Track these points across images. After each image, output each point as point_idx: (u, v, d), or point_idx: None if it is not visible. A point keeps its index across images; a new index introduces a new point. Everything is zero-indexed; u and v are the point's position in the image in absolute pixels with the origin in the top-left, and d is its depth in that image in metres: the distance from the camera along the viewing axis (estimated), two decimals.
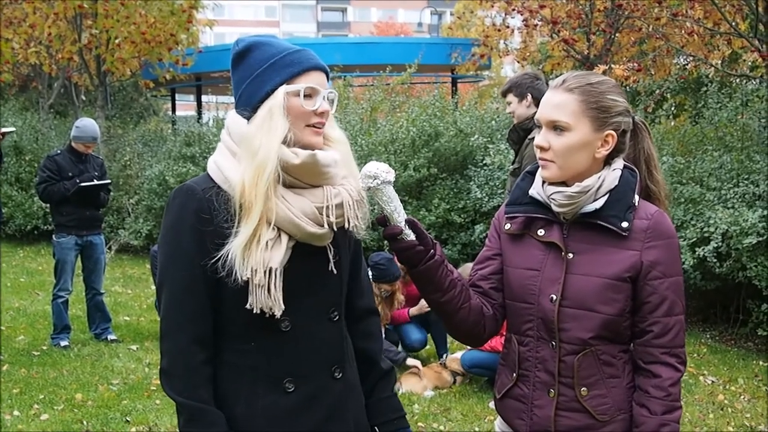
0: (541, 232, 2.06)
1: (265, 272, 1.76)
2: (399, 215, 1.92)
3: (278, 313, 1.79)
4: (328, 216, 1.82)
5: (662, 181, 2.18)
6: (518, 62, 13.25)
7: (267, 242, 1.77)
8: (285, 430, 1.86)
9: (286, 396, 1.85)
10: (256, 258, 1.76)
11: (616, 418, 2.01)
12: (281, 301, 1.79)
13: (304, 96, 1.82)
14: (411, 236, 1.94)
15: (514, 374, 2.10)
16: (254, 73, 1.84)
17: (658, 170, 2.17)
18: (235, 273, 1.76)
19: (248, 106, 1.84)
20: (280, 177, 1.79)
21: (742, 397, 5.42)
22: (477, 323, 2.08)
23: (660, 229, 1.99)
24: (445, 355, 6.04)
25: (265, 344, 1.85)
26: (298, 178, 1.82)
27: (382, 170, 1.87)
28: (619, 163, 2.04)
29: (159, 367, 1.84)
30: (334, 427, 1.92)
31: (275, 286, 1.78)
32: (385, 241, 2.00)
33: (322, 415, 1.90)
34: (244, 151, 1.80)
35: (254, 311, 1.78)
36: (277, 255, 1.78)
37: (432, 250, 1.98)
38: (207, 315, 1.83)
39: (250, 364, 1.85)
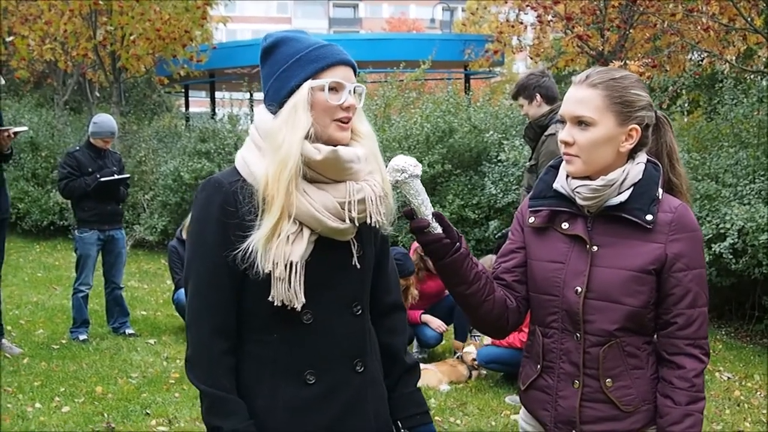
0: (565, 225, 2.09)
1: (285, 265, 1.79)
2: (426, 208, 1.94)
3: (298, 306, 1.82)
4: (349, 211, 1.84)
5: (684, 175, 2.21)
6: (531, 58, 13.23)
7: (288, 236, 1.80)
8: (305, 422, 1.88)
9: (306, 388, 1.88)
10: (277, 251, 1.78)
11: (641, 409, 2.04)
12: (302, 294, 1.81)
13: (329, 90, 1.84)
14: (438, 229, 1.97)
15: (539, 366, 2.13)
16: (281, 68, 1.87)
17: (680, 164, 2.20)
18: (257, 266, 1.79)
19: (275, 102, 1.87)
20: (304, 172, 1.81)
21: (758, 393, 5.42)
22: (501, 315, 2.11)
23: (684, 222, 2.01)
24: (461, 349, 6.09)
25: (287, 336, 1.87)
26: (321, 173, 1.84)
27: (409, 164, 1.89)
28: (642, 157, 2.07)
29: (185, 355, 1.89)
30: (353, 421, 1.94)
31: (296, 279, 1.80)
32: (411, 235, 2.03)
33: (341, 407, 1.92)
34: (268, 146, 1.83)
35: (275, 303, 1.81)
36: (298, 248, 1.81)
37: (458, 243, 2.01)
38: (230, 306, 1.86)
39: (272, 355, 1.88)
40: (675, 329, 2.01)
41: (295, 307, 1.82)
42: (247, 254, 1.80)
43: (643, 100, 2.04)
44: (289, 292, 1.80)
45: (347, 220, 1.85)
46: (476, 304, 2.07)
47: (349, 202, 1.84)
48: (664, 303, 2.02)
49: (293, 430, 1.87)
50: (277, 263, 1.78)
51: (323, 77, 1.84)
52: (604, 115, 2.00)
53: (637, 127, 2.02)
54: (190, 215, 7.08)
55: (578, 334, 2.05)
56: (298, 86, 1.84)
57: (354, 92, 1.88)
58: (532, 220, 2.16)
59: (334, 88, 1.85)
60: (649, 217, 2.00)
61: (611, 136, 2.01)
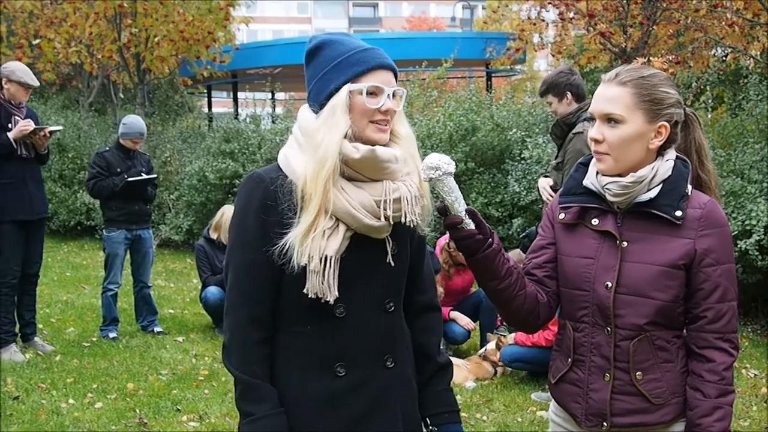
0: (595, 221, 2.13)
1: (320, 259, 1.84)
2: (459, 205, 1.98)
3: (331, 300, 1.87)
4: (385, 209, 1.89)
5: (713, 171, 2.24)
6: (553, 56, 13.20)
7: (324, 231, 1.85)
8: (332, 413, 1.93)
9: (336, 380, 1.93)
10: (313, 245, 1.84)
11: (671, 402, 2.07)
12: (335, 288, 1.86)
13: (368, 94, 1.89)
14: (471, 225, 2.01)
15: (569, 359, 2.16)
16: (323, 71, 1.92)
17: (709, 160, 2.23)
18: (293, 260, 1.85)
19: (316, 102, 1.93)
20: (342, 170, 1.87)
21: None
22: (532, 310, 2.15)
23: (713, 218, 2.05)
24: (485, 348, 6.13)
25: (320, 328, 1.92)
26: (359, 171, 1.89)
27: (443, 162, 1.93)
28: (671, 154, 2.10)
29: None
30: (380, 415, 1.97)
31: (330, 273, 1.85)
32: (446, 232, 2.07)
33: (369, 401, 1.96)
34: (307, 145, 1.89)
35: (309, 296, 1.87)
36: (334, 243, 1.86)
37: (490, 239, 2.05)
38: (266, 298, 1.92)
39: (304, 346, 1.93)
40: (704, 323, 2.04)
41: (328, 300, 1.87)
42: (284, 250, 1.86)
43: (672, 97, 2.07)
44: (323, 285, 1.86)
45: (382, 218, 1.90)
46: (508, 299, 2.11)
47: (385, 201, 1.89)
48: (693, 297, 2.05)
49: (321, 421, 1.92)
50: (312, 257, 1.84)
51: (362, 81, 1.89)
52: (633, 112, 2.03)
53: (666, 124, 2.05)
54: (222, 212, 7.13)
55: (609, 328, 2.08)
56: (337, 89, 1.89)
57: (393, 96, 1.93)
58: (562, 216, 2.19)
59: (373, 92, 1.90)
60: (678, 213, 2.03)
61: (641, 134, 2.04)
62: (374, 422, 1.96)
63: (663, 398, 2.07)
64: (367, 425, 1.96)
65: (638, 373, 2.07)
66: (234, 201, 1.98)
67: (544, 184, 4.98)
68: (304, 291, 1.87)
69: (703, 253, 2.03)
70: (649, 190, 2.06)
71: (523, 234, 5.20)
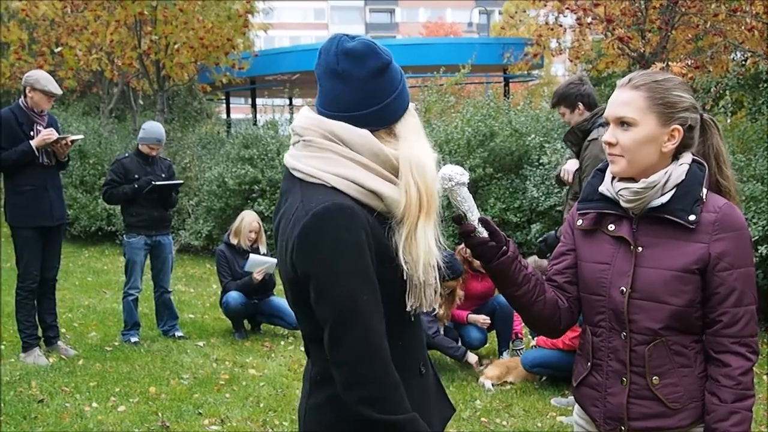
0: (611, 227, 2.15)
1: (433, 267, 1.87)
2: (473, 214, 2.05)
3: (437, 308, 1.95)
4: None
5: (732, 177, 2.22)
6: (571, 61, 13.20)
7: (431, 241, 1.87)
8: (430, 407, 2.00)
9: (421, 378, 1.99)
10: (439, 257, 1.86)
11: (688, 406, 2.08)
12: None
13: None
14: (484, 233, 2.06)
15: (589, 363, 2.19)
16: (397, 88, 1.87)
17: (728, 166, 2.22)
18: (412, 276, 1.83)
19: (385, 121, 1.87)
20: None
21: None
22: (552, 316, 2.18)
23: (728, 221, 2.04)
24: (505, 353, 6.13)
25: (406, 336, 1.93)
26: None
27: (456, 172, 2.01)
28: (687, 158, 2.10)
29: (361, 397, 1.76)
30: (445, 401, 2.11)
31: (434, 283, 1.89)
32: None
33: (439, 392, 2.09)
34: (411, 167, 1.83)
35: (409, 308, 1.87)
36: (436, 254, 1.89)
37: (504, 247, 2.09)
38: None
39: (399, 354, 1.90)
40: (720, 327, 2.04)
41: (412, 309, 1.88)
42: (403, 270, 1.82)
43: (686, 101, 2.09)
44: (428, 296, 1.88)
45: None
46: (527, 305, 2.15)
47: None
48: (709, 302, 2.05)
49: (423, 415, 1.91)
50: (431, 270, 1.85)
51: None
52: (646, 115, 2.05)
53: (679, 127, 2.07)
54: (241, 217, 7.16)
55: (624, 333, 2.10)
56: (406, 109, 1.90)
57: None
58: (580, 222, 2.23)
59: None
60: (692, 218, 2.03)
61: (653, 136, 2.05)
62: (444, 408, 2.10)
63: (680, 403, 2.08)
64: (442, 411, 2.08)
65: (655, 377, 2.08)
66: (313, 238, 1.76)
67: (570, 167, 5.00)
68: (409, 306, 1.86)
69: (717, 257, 2.02)
70: (662, 195, 2.07)
71: (540, 239, 5.21)
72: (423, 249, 1.80)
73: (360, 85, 1.82)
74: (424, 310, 1.89)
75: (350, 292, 1.73)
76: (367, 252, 1.75)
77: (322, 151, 1.83)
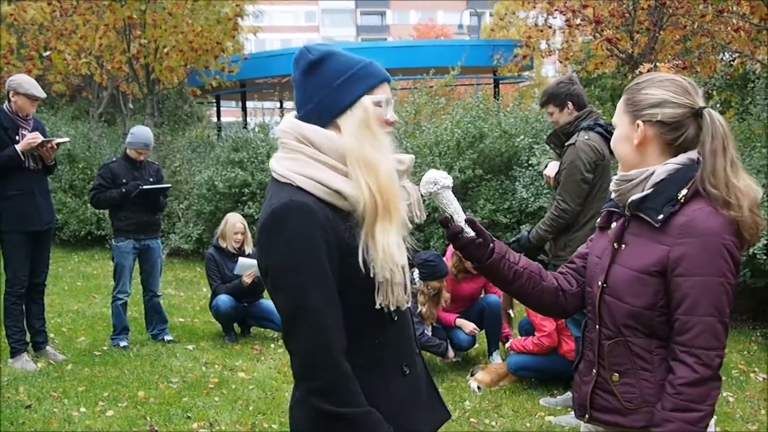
0: (614, 224, 2.21)
1: (401, 268, 1.88)
2: (459, 216, 2.14)
3: (403, 306, 1.93)
4: (419, 211, 2.06)
5: (733, 185, 2.03)
6: (560, 62, 13.23)
7: (398, 241, 1.87)
8: (414, 408, 2.00)
9: (404, 378, 1.99)
10: (395, 258, 1.85)
11: (641, 409, 2.07)
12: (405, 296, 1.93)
13: (377, 105, 1.92)
14: (470, 233, 2.14)
15: (581, 352, 2.31)
16: (334, 82, 1.87)
17: (726, 172, 2.12)
18: (375, 275, 1.83)
19: (325, 115, 1.88)
20: None
21: None
22: (554, 302, 2.28)
23: (695, 226, 1.97)
24: (495, 353, 6.14)
25: (387, 335, 1.94)
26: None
27: (440, 177, 2.09)
28: (680, 158, 2.07)
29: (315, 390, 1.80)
30: (434, 403, 2.11)
31: (404, 282, 1.91)
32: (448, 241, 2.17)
33: (425, 392, 2.09)
34: (358, 165, 1.83)
35: (382, 307, 1.87)
36: (404, 252, 1.91)
37: (491, 244, 2.16)
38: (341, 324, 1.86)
39: (378, 354, 1.93)
40: (673, 334, 2.01)
41: (394, 308, 1.90)
42: (364, 267, 1.83)
43: (654, 97, 2.08)
44: (396, 295, 1.88)
45: (415, 219, 2.05)
46: (524, 297, 2.28)
47: (410, 204, 2.02)
48: (669, 306, 2.02)
49: (402, 415, 1.94)
50: (393, 270, 1.84)
51: (377, 93, 1.91)
52: (622, 116, 2.16)
53: (640, 123, 2.09)
54: (225, 220, 7.15)
55: (597, 326, 2.17)
56: (355, 101, 1.87)
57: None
58: (598, 220, 2.31)
59: (380, 104, 1.93)
60: (659, 217, 2.02)
61: (626, 135, 2.14)
62: (437, 413, 2.12)
63: (634, 404, 2.09)
64: (433, 415, 2.10)
65: (615, 374, 2.12)
66: (270, 234, 1.81)
67: (550, 171, 5.00)
68: (378, 304, 1.86)
69: (675, 261, 1.98)
70: (643, 191, 2.08)
71: (513, 239, 5.18)
72: (381, 248, 1.82)
73: (299, 86, 1.93)
74: (393, 308, 1.89)
75: (301, 286, 1.77)
76: (322, 248, 1.78)
77: (295, 152, 1.89)
